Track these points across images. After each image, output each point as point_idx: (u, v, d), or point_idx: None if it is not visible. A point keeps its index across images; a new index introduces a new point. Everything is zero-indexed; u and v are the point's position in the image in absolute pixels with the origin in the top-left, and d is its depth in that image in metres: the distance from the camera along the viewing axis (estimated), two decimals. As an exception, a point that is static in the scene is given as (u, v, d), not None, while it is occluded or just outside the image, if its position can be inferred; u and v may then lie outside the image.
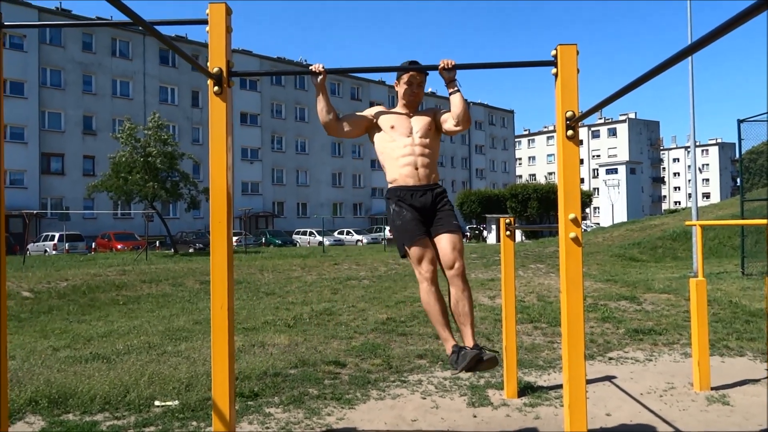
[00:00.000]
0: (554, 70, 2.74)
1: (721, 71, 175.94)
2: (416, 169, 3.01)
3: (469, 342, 2.90)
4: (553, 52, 2.74)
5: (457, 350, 2.86)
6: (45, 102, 39.98)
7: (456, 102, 2.99)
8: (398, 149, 3.05)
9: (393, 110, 3.18)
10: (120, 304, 10.60)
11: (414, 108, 3.16)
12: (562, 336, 2.73)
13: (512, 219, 4.52)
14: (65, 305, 10.34)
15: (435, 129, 3.14)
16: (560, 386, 4.82)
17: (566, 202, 2.74)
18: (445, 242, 2.96)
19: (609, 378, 5.02)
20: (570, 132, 2.72)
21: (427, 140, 3.06)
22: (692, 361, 4.64)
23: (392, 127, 3.08)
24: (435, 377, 5.10)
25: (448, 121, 3.08)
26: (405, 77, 3.11)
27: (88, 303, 10.66)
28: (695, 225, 4.70)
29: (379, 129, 3.13)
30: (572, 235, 2.71)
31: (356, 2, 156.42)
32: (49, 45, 40.42)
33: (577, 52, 2.74)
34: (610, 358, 5.69)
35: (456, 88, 2.95)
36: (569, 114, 2.71)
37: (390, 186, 3.10)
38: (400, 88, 3.14)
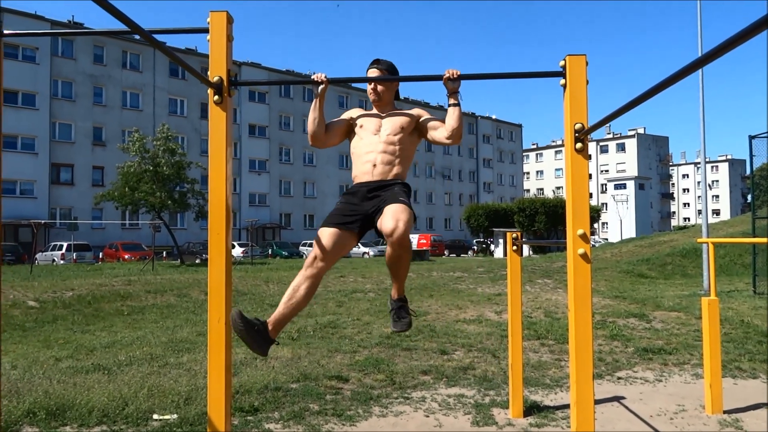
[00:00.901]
0: (563, 81, 2.67)
1: (732, 87, 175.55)
2: (374, 166, 2.90)
3: (394, 294, 3.00)
4: (562, 63, 2.67)
5: (262, 322, 2.88)
6: (56, 113, 40.34)
7: (454, 115, 2.90)
8: (364, 147, 2.96)
9: (368, 111, 3.09)
10: (124, 315, 10.55)
11: (384, 107, 3.04)
12: (570, 355, 2.64)
13: (519, 233, 4.44)
14: (70, 315, 10.30)
15: (411, 131, 3.01)
16: (567, 406, 4.70)
17: (575, 217, 2.66)
18: (385, 213, 2.76)
19: (617, 398, 4.90)
20: (579, 145, 2.65)
21: (396, 138, 2.93)
22: (704, 383, 4.51)
23: (361, 127, 3.00)
24: (439, 394, 4.99)
25: (439, 131, 2.97)
26: (368, 74, 3.02)
27: (92, 313, 10.62)
28: (707, 242, 4.60)
29: (355, 132, 3.07)
30: (581, 251, 2.63)
31: (363, 16, 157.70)
32: (60, 57, 40.86)
33: (586, 63, 2.67)
34: (619, 378, 5.57)
35: (457, 102, 2.87)
36: (578, 126, 2.64)
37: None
38: (367, 88, 3.06)
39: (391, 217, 2.70)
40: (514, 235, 4.34)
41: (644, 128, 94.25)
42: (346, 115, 3.11)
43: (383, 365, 5.93)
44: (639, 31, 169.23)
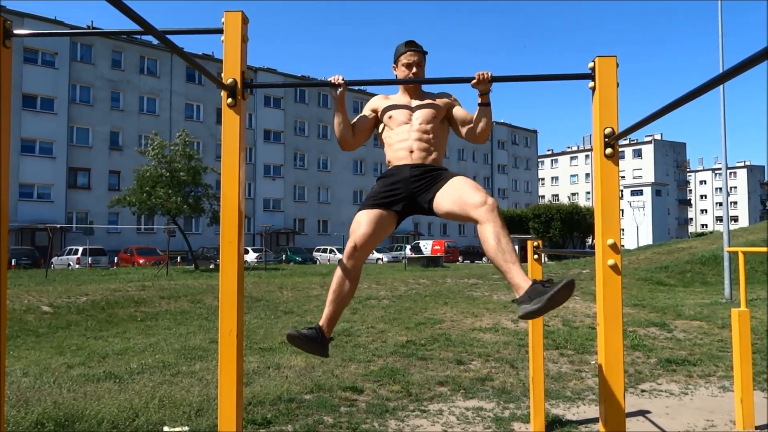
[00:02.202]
0: (591, 84, 2.54)
1: (750, 92, 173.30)
2: (411, 152, 2.79)
3: (523, 281, 2.39)
4: (591, 65, 2.54)
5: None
6: (74, 117, 40.78)
7: (485, 116, 2.81)
8: (396, 137, 2.85)
9: (392, 97, 2.95)
10: (138, 321, 10.51)
11: (416, 89, 2.92)
12: (599, 374, 2.50)
13: (540, 242, 4.29)
14: (84, 321, 10.28)
15: (442, 119, 2.90)
16: (590, 420, 4.54)
17: (604, 226, 2.52)
18: (451, 189, 2.59)
19: (643, 413, 4.72)
20: (609, 150, 2.51)
21: (428, 127, 2.83)
22: (734, 397, 4.32)
23: (390, 118, 2.89)
24: (457, 407, 4.84)
25: (467, 130, 2.88)
26: (403, 59, 2.89)
27: (106, 319, 10.60)
28: (737, 251, 4.42)
29: (383, 120, 2.95)
30: (611, 262, 2.49)
31: (381, 20, 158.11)
32: (79, 62, 41.34)
33: (617, 65, 2.54)
34: (643, 391, 5.38)
35: (488, 102, 2.77)
36: (608, 131, 2.51)
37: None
38: (399, 73, 2.91)
39: (468, 189, 2.56)
40: (535, 243, 4.20)
41: (661, 134, 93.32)
42: (368, 109, 2.99)
43: (399, 375, 5.79)
44: (662, 35, 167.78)
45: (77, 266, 30.13)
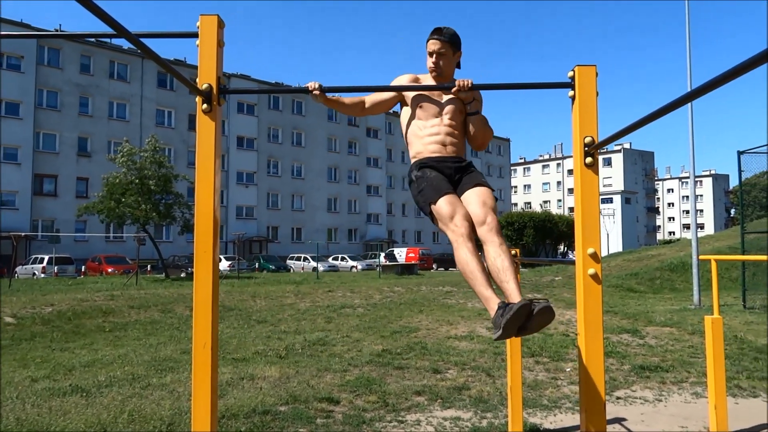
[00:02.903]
0: (571, 93, 2.53)
1: (715, 103, 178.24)
2: (444, 146, 2.81)
3: (515, 298, 2.38)
4: (570, 74, 2.54)
5: (502, 306, 2.32)
6: (40, 123, 39.85)
7: (475, 123, 2.81)
8: (425, 129, 2.84)
9: (424, 86, 2.81)
10: (106, 331, 10.24)
11: (445, 80, 2.85)
12: (580, 383, 2.48)
13: (518, 251, 4.28)
14: (49, 332, 9.97)
15: (464, 115, 2.92)
16: (568, 429, 4.54)
17: (584, 235, 2.50)
18: (473, 197, 2.65)
19: (619, 420, 4.74)
20: (589, 159, 2.50)
21: (456, 123, 2.85)
22: (708, 404, 4.36)
23: (420, 107, 2.85)
24: (434, 417, 4.80)
25: (468, 136, 2.92)
26: (427, 46, 2.85)
27: (73, 330, 10.29)
28: (710, 259, 4.47)
29: (407, 103, 2.91)
30: (591, 271, 2.47)
31: (355, 28, 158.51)
32: (46, 66, 40.46)
33: (596, 74, 2.54)
34: (618, 398, 5.41)
35: (475, 110, 2.76)
36: (588, 140, 2.50)
37: (414, 160, 2.87)
38: (427, 60, 2.88)
39: (482, 204, 2.59)
40: (513, 252, 4.18)
41: (630, 143, 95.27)
42: (396, 86, 2.86)
43: (375, 385, 5.73)
44: (633, 44, 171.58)
45: (42, 275, 29.32)
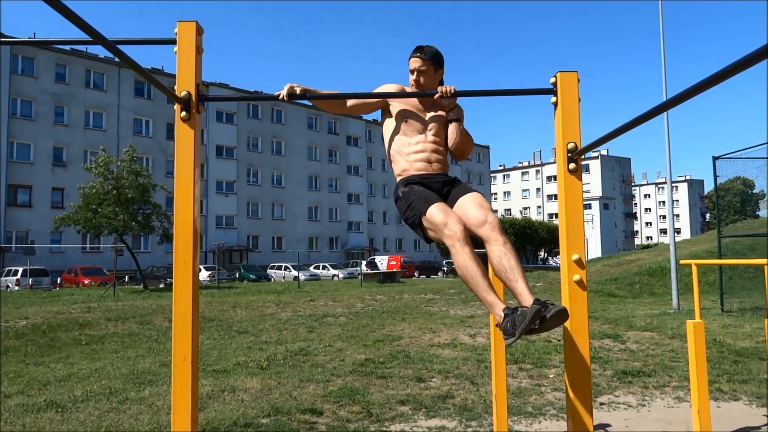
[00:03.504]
0: (554, 99, 2.53)
1: (689, 108, 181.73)
2: (429, 163, 2.79)
3: (527, 299, 2.28)
4: (552, 80, 2.54)
5: (510, 312, 2.23)
6: (14, 133, 39.13)
7: (454, 132, 2.79)
8: (410, 146, 2.81)
9: (411, 99, 2.82)
10: (82, 344, 10.02)
11: (427, 98, 2.84)
12: (567, 391, 2.46)
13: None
14: (23, 346, 9.73)
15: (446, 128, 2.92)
16: (552, 436, 4.52)
17: (569, 241, 2.50)
18: (467, 201, 2.63)
19: (603, 426, 4.74)
20: (572, 165, 2.50)
21: (440, 138, 2.83)
22: (691, 408, 4.39)
23: (405, 121, 2.82)
24: (419, 426, 4.75)
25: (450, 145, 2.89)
26: (409, 64, 2.84)
27: (48, 343, 10.06)
28: (691, 263, 4.51)
29: (390, 115, 2.87)
30: (576, 277, 2.46)
31: (334, 37, 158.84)
32: (20, 75, 39.79)
33: (578, 80, 2.54)
34: (602, 404, 5.42)
35: (456, 117, 2.75)
36: (571, 146, 2.50)
37: (400, 178, 2.82)
38: (409, 77, 2.87)
39: (478, 206, 2.57)
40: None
41: (607, 150, 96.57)
42: (381, 93, 2.81)
43: (358, 395, 5.67)
44: (610, 51, 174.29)
45: (17, 288, 28.70)
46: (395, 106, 2.85)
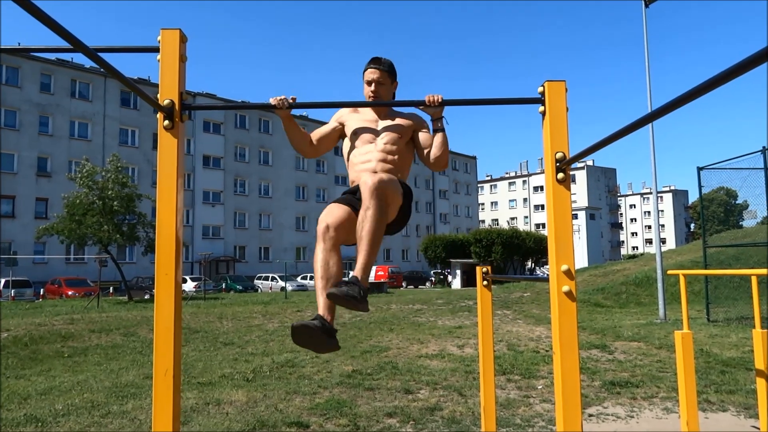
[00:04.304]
0: (542, 108, 2.52)
1: (673, 119, 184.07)
2: (374, 173, 2.68)
3: (355, 271, 2.35)
4: (540, 89, 2.52)
5: (320, 318, 2.33)
6: (-3, 142, 38.69)
7: (437, 141, 2.76)
8: (360, 156, 2.77)
9: (361, 111, 2.87)
10: (65, 357, 9.85)
11: (383, 111, 2.85)
12: (557, 403, 2.43)
13: (489, 268, 4.24)
14: (3, 359, 9.53)
15: (407, 140, 2.84)
16: (541, 448, 4.48)
17: (558, 252, 2.47)
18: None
19: (592, 438, 4.71)
20: (560, 175, 2.48)
21: (393, 148, 2.77)
22: (680, 420, 4.37)
23: (355, 134, 2.81)
24: (406, 439, 4.69)
25: (426, 154, 2.82)
26: (365, 75, 2.82)
27: (29, 356, 9.87)
28: (678, 273, 4.51)
29: (347, 134, 2.87)
30: (565, 288, 2.44)
31: (320, 46, 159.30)
32: (5, 85, 39.39)
33: (566, 89, 2.53)
34: (590, 415, 5.39)
35: (440, 127, 2.72)
36: (559, 155, 2.48)
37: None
38: (365, 88, 2.85)
39: (371, 175, 2.48)
40: (485, 269, 4.15)
41: (593, 160, 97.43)
42: (335, 121, 2.89)
43: (345, 408, 5.60)
44: (598, 61, 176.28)
45: (-1, 299, 28.23)
46: (349, 125, 2.85)
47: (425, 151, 2.82)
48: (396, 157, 2.77)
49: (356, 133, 2.81)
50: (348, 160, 2.86)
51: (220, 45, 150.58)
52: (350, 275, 2.35)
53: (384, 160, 2.74)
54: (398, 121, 2.83)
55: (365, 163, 2.74)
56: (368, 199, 2.41)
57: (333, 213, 2.56)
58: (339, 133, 2.90)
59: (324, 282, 2.40)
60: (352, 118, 2.86)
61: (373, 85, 2.79)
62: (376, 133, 2.80)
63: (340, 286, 2.26)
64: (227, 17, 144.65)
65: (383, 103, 2.78)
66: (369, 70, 2.80)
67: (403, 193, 2.69)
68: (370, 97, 2.81)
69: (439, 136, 2.74)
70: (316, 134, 2.88)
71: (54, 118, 41.57)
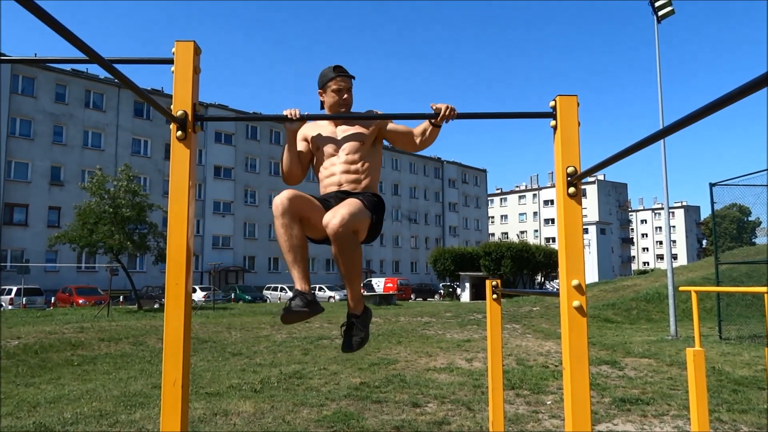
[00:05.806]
0: (553, 123, 2.52)
1: (685, 135, 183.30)
2: (339, 185, 2.75)
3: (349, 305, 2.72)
4: (552, 103, 2.53)
5: (299, 292, 2.50)
6: (12, 152, 39.16)
7: (432, 135, 2.74)
8: (325, 171, 2.79)
9: (320, 125, 2.85)
10: (74, 365, 9.88)
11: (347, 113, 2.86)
12: (566, 420, 2.41)
13: (498, 281, 4.23)
14: (14, 366, 9.59)
15: (372, 142, 2.83)
16: (550, 465, 4.43)
17: (569, 267, 2.46)
18: (336, 204, 2.56)
19: (602, 455, 4.65)
20: (572, 189, 2.48)
21: (357, 156, 2.76)
22: (691, 438, 4.31)
23: (318, 149, 2.81)
24: (414, 454, 4.66)
25: (408, 138, 2.80)
26: (332, 84, 2.82)
27: (39, 364, 9.92)
28: (690, 290, 4.47)
29: (314, 150, 2.88)
30: (576, 303, 2.43)
31: (335, 57, 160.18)
32: (20, 95, 39.95)
33: (578, 104, 2.54)
34: (600, 432, 5.33)
35: (439, 125, 2.72)
36: (570, 170, 2.48)
37: None
38: (328, 98, 2.83)
39: (334, 210, 2.47)
40: (494, 283, 4.13)
41: (604, 175, 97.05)
42: (301, 140, 2.88)
43: (353, 420, 5.57)
44: (609, 79, 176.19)
45: (10, 307, 28.45)
46: (312, 140, 2.85)
47: (405, 138, 2.81)
48: (359, 165, 2.77)
49: (318, 147, 2.82)
50: (316, 172, 2.87)
51: (234, 56, 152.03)
52: (348, 310, 2.70)
53: (347, 171, 2.74)
54: (358, 128, 2.81)
55: (329, 177, 2.76)
56: (335, 246, 2.47)
57: (292, 191, 2.56)
58: (310, 151, 2.89)
59: (292, 255, 2.51)
60: (313, 132, 2.85)
61: (344, 93, 2.81)
62: (338, 143, 2.79)
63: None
64: (240, 29, 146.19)
65: (391, 115, 2.79)
66: (339, 78, 2.81)
67: (374, 207, 2.69)
68: (342, 104, 2.82)
69: (434, 131, 2.72)
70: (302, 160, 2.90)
71: (67, 128, 42.06)
